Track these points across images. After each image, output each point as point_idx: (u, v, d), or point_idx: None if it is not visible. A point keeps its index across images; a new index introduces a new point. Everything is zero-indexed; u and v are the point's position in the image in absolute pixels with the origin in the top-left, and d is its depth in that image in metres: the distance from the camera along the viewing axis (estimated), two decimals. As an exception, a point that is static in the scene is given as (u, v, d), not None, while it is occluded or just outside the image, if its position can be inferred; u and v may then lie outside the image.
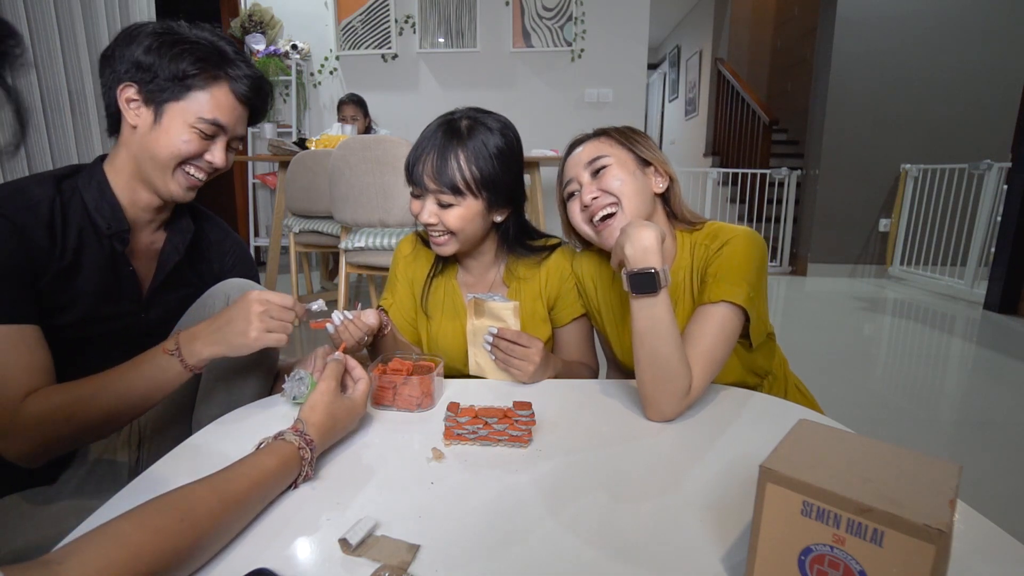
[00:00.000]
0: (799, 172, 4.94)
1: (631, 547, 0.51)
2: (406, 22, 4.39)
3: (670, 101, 8.83)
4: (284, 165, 3.00)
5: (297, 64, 4.41)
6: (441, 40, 4.42)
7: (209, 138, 0.86)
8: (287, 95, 4.50)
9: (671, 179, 0.97)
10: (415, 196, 1.00)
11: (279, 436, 0.61)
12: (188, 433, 0.76)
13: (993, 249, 3.60)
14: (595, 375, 1.09)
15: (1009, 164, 3.58)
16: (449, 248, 1.01)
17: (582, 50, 4.38)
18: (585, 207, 0.94)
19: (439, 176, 0.95)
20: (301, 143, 3.19)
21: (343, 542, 0.49)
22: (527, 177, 2.96)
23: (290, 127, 4.48)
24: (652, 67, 8.71)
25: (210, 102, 0.84)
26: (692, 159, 7.43)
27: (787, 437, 0.46)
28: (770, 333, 0.98)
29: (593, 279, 1.05)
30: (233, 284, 0.90)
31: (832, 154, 4.54)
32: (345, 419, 0.69)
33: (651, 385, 0.78)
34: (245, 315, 0.75)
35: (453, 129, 0.97)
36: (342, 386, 0.72)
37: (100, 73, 0.85)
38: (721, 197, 5.70)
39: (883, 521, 0.37)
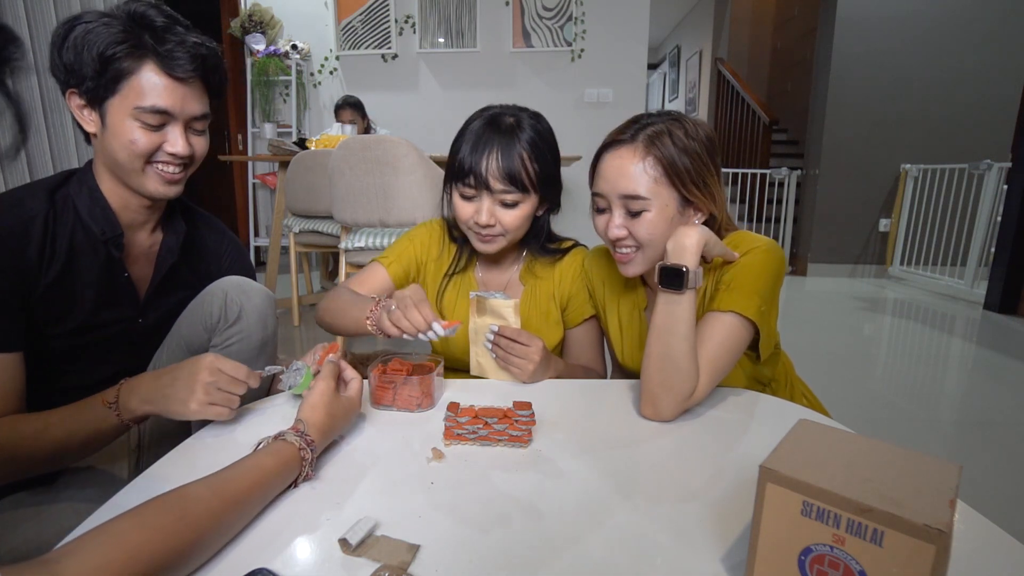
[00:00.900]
0: (799, 172, 4.94)
1: (631, 547, 0.51)
2: (406, 22, 4.39)
3: (670, 101, 8.83)
4: (284, 165, 3.00)
5: (297, 64, 4.40)
6: (441, 40, 4.42)
7: (158, 128, 0.78)
8: (287, 95, 4.50)
9: (711, 213, 0.89)
10: (467, 198, 0.95)
11: (279, 436, 0.61)
12: (188, 433, 0.75)
13: (993, 249, 3.60)
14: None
15: (1009, 164, 3.58)
16: (497, 245, 0.98)
17: (582, 50, 4.37)
18: (607, 231, 0.90)
19: (507, 175, 0.91)
20: (301, 143, 3.19)
21: (343, 542, 0.49)
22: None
23: (290, 127, 4.48)
24: (652, 67, 8.71)
25: (142, 88, 0.75)
26: (692, 159, 7.42)
27: (787, 437, 0.46)
28: (776, 343, 0.97)
29: (602, 276, 1.05)
30: (230, 282, 0.88)
31: (832, 154, 4.54)
32: (343, 418, 0.70)
33: (657, 382, 0.77)
34: (190, 382, 0.70)
35: (506, 126, 0.92)
36: None
37: None
38: (721, 197, 5.69)
39: (883, 521, 0.37)
